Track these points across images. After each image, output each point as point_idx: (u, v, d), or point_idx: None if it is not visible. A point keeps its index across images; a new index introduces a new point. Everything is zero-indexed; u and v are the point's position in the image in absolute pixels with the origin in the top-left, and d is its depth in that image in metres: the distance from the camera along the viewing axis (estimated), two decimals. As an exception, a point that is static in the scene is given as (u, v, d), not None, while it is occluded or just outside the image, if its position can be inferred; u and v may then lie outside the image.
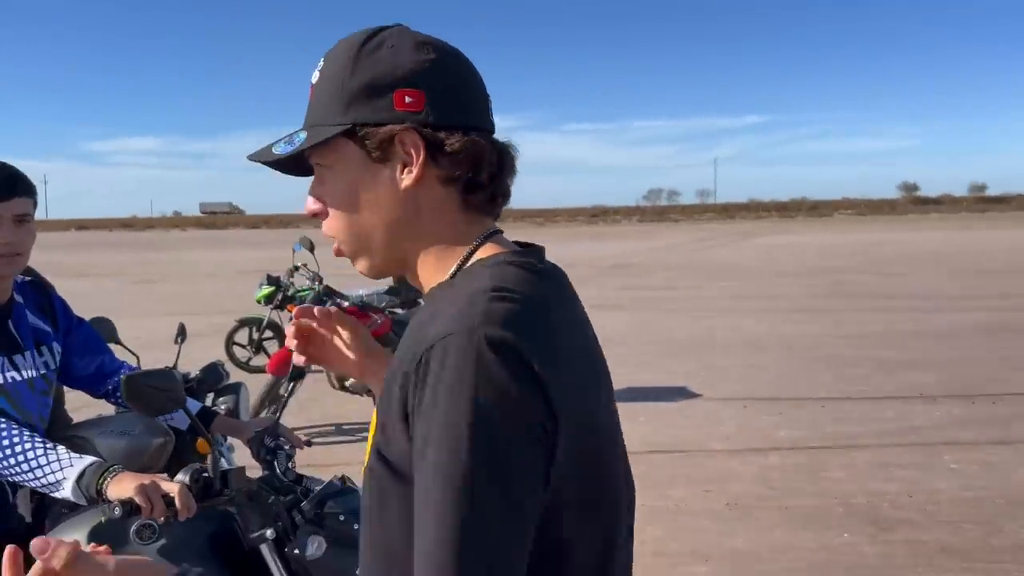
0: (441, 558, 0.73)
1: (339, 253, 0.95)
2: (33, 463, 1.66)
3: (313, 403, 6.69)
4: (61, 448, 1.69)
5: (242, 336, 8.12)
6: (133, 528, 1.80)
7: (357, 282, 8.64)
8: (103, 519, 1.81)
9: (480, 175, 0.89)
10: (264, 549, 1.76)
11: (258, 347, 7.98)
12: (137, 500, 1.56)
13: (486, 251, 0.90)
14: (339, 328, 1.19)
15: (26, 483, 1.68)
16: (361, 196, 0.91)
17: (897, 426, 5.76)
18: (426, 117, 0.88)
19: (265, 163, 0.94)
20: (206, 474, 1.68)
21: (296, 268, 7.49)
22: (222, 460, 1.94)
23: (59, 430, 3.08)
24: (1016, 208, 58.94)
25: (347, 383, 6.15)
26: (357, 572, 0.96)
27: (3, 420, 1.72)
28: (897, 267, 17.94)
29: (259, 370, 7.32)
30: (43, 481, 1.66)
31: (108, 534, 1.83)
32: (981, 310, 11.00)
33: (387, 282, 7.94)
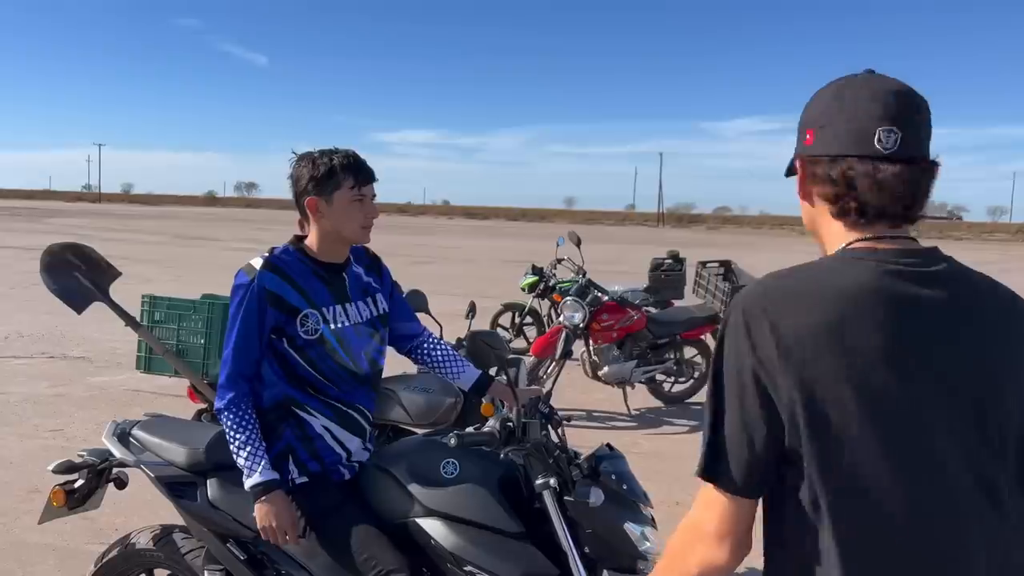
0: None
1: None
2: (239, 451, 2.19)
3: (567, 388, 7.09)
4: (259, 453, 2.19)
5: (505, 319, 8.77)
6: (441, 464, 2.18)
7: (614, 277, 8.94)
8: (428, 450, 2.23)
9: (836, 191, 1.15)
10: (546, 495, 2.04)
11: (519, 331, 8.59)
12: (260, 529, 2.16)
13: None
14: None
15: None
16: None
17: None
18: (811, 150, 1.18)
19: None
20: (511, 423, 2.01)
21: (560, 260, 7.97)
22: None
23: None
24: None
25: (600, 373, 6.45)
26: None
27: (243, 412, 2.20)
28: None
29: (518, 352, 7.89)
30: (241, 464, 2.20)
31: (425, 462, 2.23)
32: None
33: (644, 280, 8.17)
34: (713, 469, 1.13)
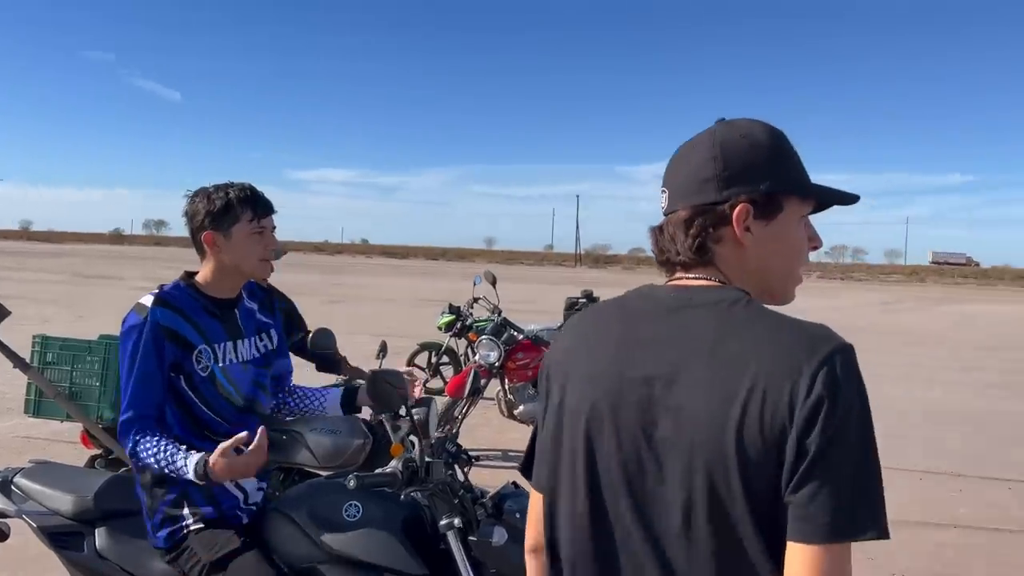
0: None
1: None
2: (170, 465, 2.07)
3: (483, 427, 7.06)
4: (183, 451, 2.08)
5: (421, 359, 8.69)
6: (343, 507, 2.15)
7: (532, 317, 9.00)
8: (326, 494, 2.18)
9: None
10: (450, 535, 2.03)
11: (435, 371, 8.52)
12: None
13: None
14: None
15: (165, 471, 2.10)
16: None
17: (1099, 519, 5.26)
18: None
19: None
20: (414, 463, 1.99)
21: (476, 299, 7.98)
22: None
23: (273, 424, 3.55)
24: None
25: (516, 412, 6.46)
26: None
27: (153, 437, 2.10)
28: (1119, 348, 16.03)
29: (434, 392, 7.81)
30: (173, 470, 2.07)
31: (326, 506, 2.19)
32: None
33: (558, 318, 8.25)
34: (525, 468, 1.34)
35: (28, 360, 3.65)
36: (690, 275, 1.17)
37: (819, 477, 0.95)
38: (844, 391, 0.97)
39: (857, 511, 0.96)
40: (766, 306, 1.11)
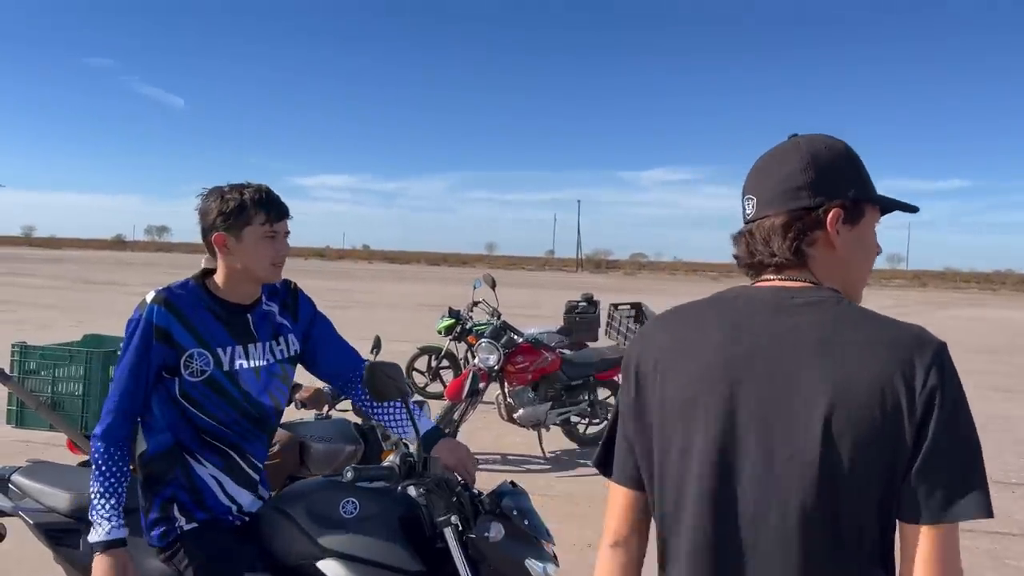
0: None
1: None
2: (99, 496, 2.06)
3: (482, 431, 7.05)
4: (118, 506, 2.07)
5: (421, 363, 8.69)
6: (341, 503, 2.14)
7: (532, 321, 9.01)
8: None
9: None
10: (448, 532, 2.01)
11: (435, 375, 8.52)
12: None
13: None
14: None
15: None
16: None
17: (1101, 522, 5.24)
18: None
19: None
20: (411, 458, 1.98)
21: (476, 303, 7.99)
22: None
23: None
24: None
25: (515, 415, 6.44)
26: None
27: (117, 455, 2.08)
28: (1121, 353, 15.99)
29: (434, 396, 7.82)
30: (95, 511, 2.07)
31: (323, 502, 2.17)
32: None
33: (559, 322, 8.25)
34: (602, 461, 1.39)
35: (8, 369, 3.55)
36: (781, 276, 1.25)
37: (939, 462, 1.06)
38: (953, 383, 1.09)
39: (973, 492, 1.07)
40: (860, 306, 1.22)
